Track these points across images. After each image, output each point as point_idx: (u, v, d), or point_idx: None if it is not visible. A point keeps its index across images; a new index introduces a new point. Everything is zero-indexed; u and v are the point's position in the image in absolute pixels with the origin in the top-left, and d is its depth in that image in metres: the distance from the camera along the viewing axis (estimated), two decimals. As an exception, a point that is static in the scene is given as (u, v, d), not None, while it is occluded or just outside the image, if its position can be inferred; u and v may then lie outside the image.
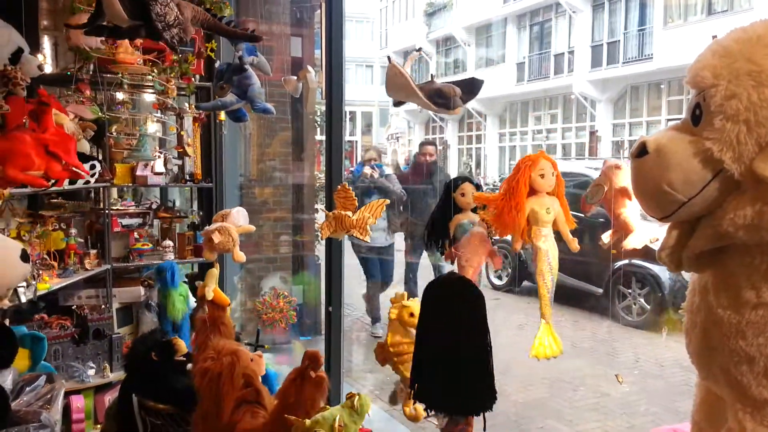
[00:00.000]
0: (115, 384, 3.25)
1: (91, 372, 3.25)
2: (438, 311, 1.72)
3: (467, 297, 1.70)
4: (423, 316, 1.77)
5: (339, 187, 2.11)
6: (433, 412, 1.76)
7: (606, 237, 2.05)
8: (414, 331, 1.89)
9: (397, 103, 1.98)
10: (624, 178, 1.93)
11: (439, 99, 1.81)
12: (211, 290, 2.30)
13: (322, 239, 2.11)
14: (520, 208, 1.77)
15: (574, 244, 1.83)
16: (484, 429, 1.71)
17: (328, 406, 1.88)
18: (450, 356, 1.66)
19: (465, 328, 1.67)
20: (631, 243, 1.96)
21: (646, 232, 1.96)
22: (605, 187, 1.95)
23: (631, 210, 1.98)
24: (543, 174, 1.79)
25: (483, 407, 1.67)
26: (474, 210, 2.12)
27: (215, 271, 2.41)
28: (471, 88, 1.91)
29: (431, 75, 1.90)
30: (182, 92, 3.76)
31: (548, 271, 1.84)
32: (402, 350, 2.10)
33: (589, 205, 2.04)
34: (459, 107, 1.84)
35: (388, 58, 1.86)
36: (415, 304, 2.08)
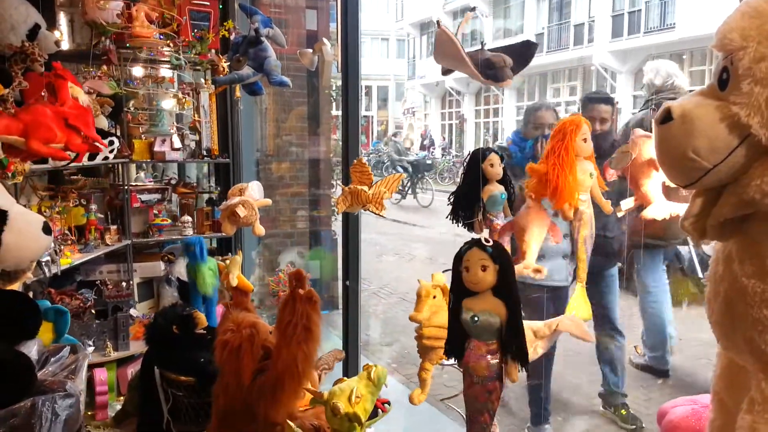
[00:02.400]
0: (137, 357, 3.32)
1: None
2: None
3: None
4: None
5: (355, 161, 2.09)
6: None
7: (625, 204, 2.03)
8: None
9: (446, 72, 1.89)
10: (652, 150, 1.89)
11: (489, 70, 1.71)
12: (235, 277, 2.32)
13: (338, 213, 2.08)
14: (574, 173, 1.74)
15: (608, 207, 1.85)
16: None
17: (345, 378, 1.90)
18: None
19: None
20: (650, 213, 1.96)
21: (666, 206, 1.94)
22: (632, 154, 1.91)
23: (655, 182, 1.96)
24: (585, 138, 1.78)
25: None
26: (500, 182, 2.03)
27: (238, 258, 2.43)
28: (524, 54, 1.78)
29: (482, 43, 1.78)
30: (198, 67, 3.75)
31: (590, 237, 1.86)
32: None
33: (613, 170, 2.01)
34: (509, 78, 1.73)
35: (438, 22, 1.75)
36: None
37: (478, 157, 2.05)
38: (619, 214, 2.04)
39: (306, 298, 1.85)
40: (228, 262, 2.48)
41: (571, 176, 1.74)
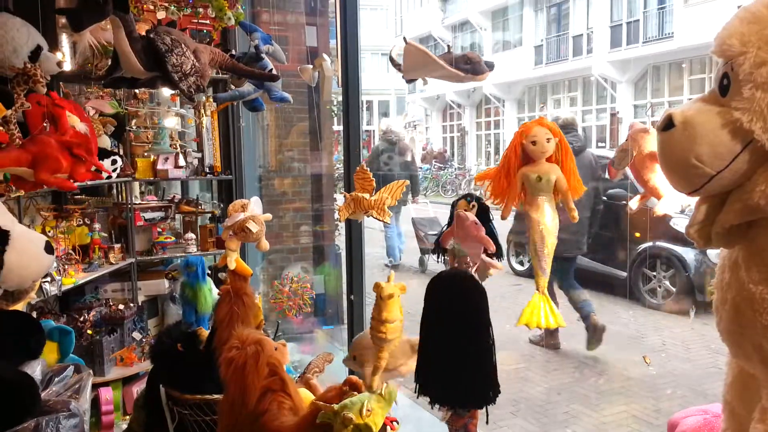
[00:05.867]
0: (142, 375, 3.30)
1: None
2: (441, 306, 1.73)
3: (470, 293, 1.70)
4: (427, 311, 1.77)
5: (357, 168, 2.08)
6: (437, 406, 1.78)
7: (634, 203, 1.99)
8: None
9: (410, 81, 1.97)
10: (652, 142, 1.85)
11: (465, 65, 1.81)
12: (233, 260, 2.27)
13: (341, 221, 2.06)
14: (510, 174, 1.81)
15: (573, 213, 1.80)
16: (487, 421, 1.74)
17: (355, 393, 1.88)
18: (452, 351, 1.68)
19: (467, 323, 1.69)
20: (661, 209, 1.88)
21: (677, 198, 1.86)
22: (633, 151, 1.87)
23: (661, 175, 1.89)
24: (535, 141, 1.78)
25: (484, 401, 1.70)
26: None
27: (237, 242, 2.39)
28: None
29: (448, 46, 1.90)
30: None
31: (540, 240, 1.81)
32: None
33: (615, 170, 1.98)
34: (487, 71, 1.82)
35: (404, 39, 1.85)
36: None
37: (455, 204, 2.08)
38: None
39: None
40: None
41: (506, 178, 1.82)
